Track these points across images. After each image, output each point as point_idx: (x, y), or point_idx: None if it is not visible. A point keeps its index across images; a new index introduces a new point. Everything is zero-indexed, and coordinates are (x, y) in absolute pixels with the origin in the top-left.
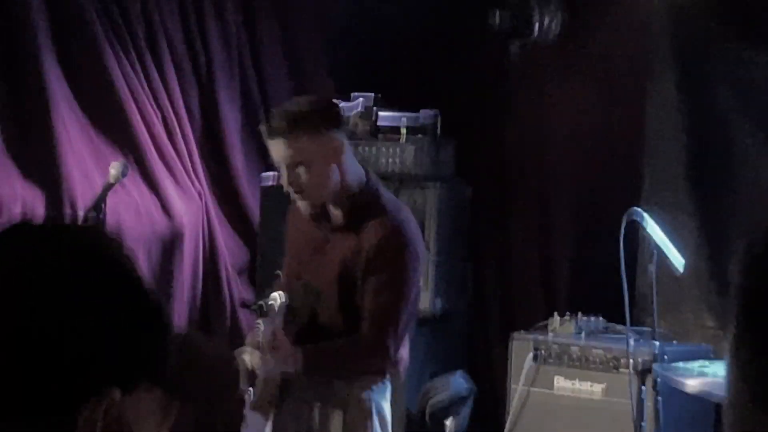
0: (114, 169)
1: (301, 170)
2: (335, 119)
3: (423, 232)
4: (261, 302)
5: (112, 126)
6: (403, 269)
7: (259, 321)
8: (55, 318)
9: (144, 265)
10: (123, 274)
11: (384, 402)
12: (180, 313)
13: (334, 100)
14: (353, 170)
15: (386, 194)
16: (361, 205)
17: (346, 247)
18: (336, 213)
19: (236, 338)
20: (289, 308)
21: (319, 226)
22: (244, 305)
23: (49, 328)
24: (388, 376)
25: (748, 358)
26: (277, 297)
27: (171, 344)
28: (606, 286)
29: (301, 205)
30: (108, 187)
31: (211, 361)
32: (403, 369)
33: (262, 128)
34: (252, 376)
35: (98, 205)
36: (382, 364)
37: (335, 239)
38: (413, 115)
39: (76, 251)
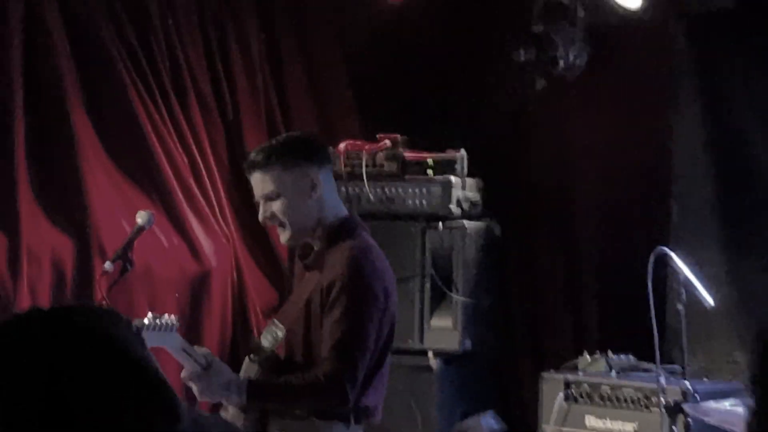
0: (140, 218)
1: (276, 203)
2: (311, 152)
3: (451, 271)
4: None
5: (140, 171)
6: (356, 306)
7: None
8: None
9: (173, 309)
10: (132, 364)
11: None
12: None
13: (316, 138)
14: (333, 207)
15: (361, 234)
16: (330, 243)
17: (312, 283)
18: (314, 251)
19: None
20: (258, 349)
21: (301, 264)
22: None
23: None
24: (357, 426)
25: None
26: (266, 336)
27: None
28: (635, 323)
29: (282, 238)
30: (134, 236)
31: None
32: (376, 419)
33: (244, 165)
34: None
35: (124, 253)
36: (339, 403)
37: (307, 276)
38: (439, 154)
39: (85, 341)
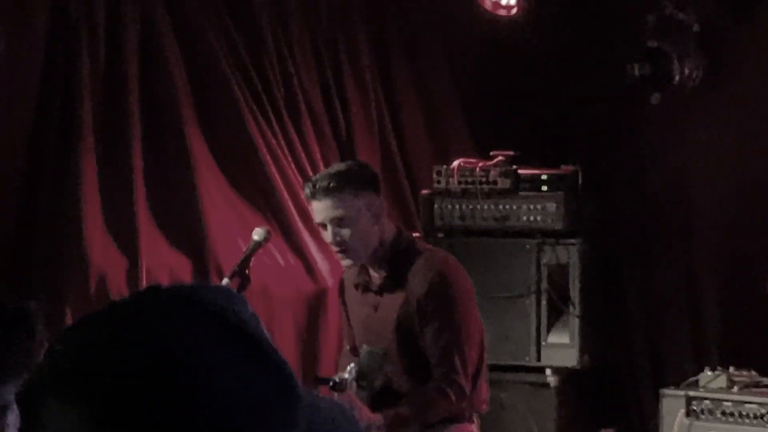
0: (257, 234)
1: (345, 228)
2: (374, 180)
3: (567, 287)
4: (335, 378)
5: (255, 191)
6: (457, 309)
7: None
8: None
9: (290, 326)
10: (252, 338)
11: None
12: (327, 375)
13: (365, 163)
14: (388, 225)
15: (420, 244)
16: (400, 260)
17: (397, 304)
18: (376, 275)
19: None
20: (359, 374)
21: (366, 294)
22: (317, 380)
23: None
24: (473, 418)
25: None
26: (349, 369)
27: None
28: (757, 338)
29: (344, 263)
30: (251, 251)
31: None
32: (485, 406)
33: (306, 190)
34: None
35: (242, 269)
36: (462, 405)
37: (385, 300)
38: (553, 171)
39: (207, 315)
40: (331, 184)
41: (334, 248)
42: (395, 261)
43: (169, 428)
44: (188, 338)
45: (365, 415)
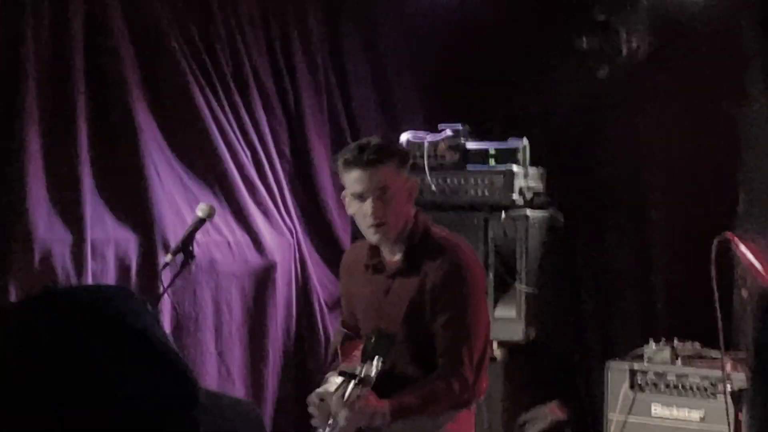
0: (200, 211)
1: (385, 200)
2: (408, 160)
3: (514, 261)
4: (361, 374)
5: (203, 166)
6: (470, 302)
7: (332, 374)
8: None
9: (238, 302)
10: (147, 342)
11: None
12: (274, 349)
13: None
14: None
15: (436, 228)
16: (416, 245)
17: (410, 289)
18: (390, 258)
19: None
20: (364, 353)
21: (376, 275)
22: (342, 374)
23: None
24: (473, 406)
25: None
26: (375, 364)
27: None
28: (702, 311)
29: (374, 239)
30: (194, 227)
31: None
32: (482, 396)
33: (340, 161)
34: (331, 419)
35: (185, 246)
36: (465, 396)
37: (397, 284)
38: (501, 144)
39: (100, 319)
40: (378, 155)
41: (370, 221)
42: (412, 245)
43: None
44: (88, 347)
45: (371, 402)
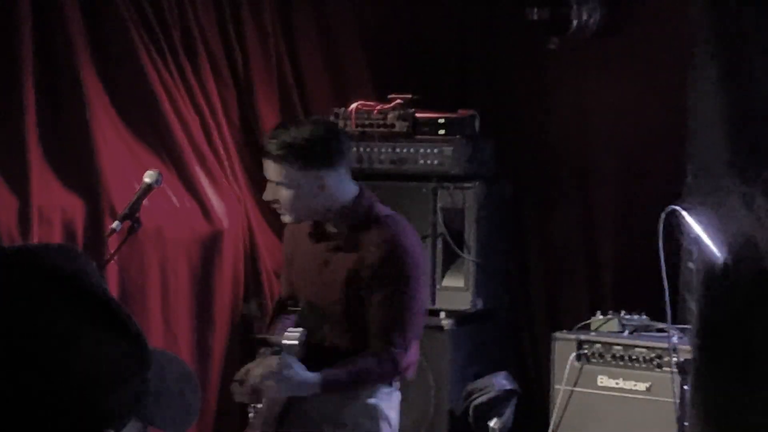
0: (148, 177)
1: (283, 192)
2: (327, 156)
3: (462, 231)
4: (284, 342)
5: (151, 131)
6: (407, 281)
7: (265, 350)
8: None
9: (185, 269)
10: (90, 294)
11: (392, 411)
12: (221, 316)
13: (334, 133)
14: (344, 190)
15: (381, 207)
16: (358, 222)
17: (349, 264)
18: (333, 231)
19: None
20: (296, 325)
21: (318, 246)
22: (263, 342)
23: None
24: (395, 383)
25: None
26: (298, 335)
27: (149, 370)
28: (649, 283)
29: (284, 219)
30: (142, 194)
31: (178, 384)
32: (411, 373)
33: (262, 143)
34: (257, 393)
35: (132, 212)
36: (393, 375)
37: (336, 258)
38: (451, 114)
39: (43, 276)
40: (280, 153)
41: (271, 205)
42: (353, 224)
43: (27, 394)
44: (40, 306)
45: (301, 374)
